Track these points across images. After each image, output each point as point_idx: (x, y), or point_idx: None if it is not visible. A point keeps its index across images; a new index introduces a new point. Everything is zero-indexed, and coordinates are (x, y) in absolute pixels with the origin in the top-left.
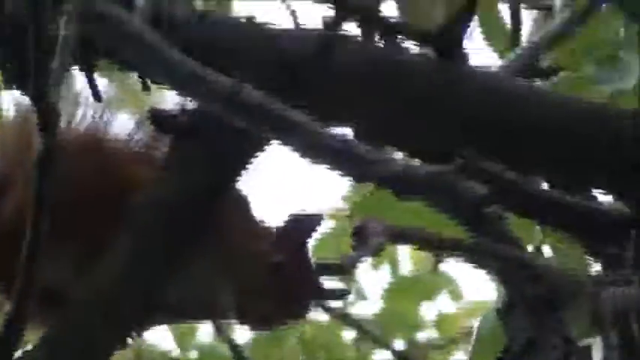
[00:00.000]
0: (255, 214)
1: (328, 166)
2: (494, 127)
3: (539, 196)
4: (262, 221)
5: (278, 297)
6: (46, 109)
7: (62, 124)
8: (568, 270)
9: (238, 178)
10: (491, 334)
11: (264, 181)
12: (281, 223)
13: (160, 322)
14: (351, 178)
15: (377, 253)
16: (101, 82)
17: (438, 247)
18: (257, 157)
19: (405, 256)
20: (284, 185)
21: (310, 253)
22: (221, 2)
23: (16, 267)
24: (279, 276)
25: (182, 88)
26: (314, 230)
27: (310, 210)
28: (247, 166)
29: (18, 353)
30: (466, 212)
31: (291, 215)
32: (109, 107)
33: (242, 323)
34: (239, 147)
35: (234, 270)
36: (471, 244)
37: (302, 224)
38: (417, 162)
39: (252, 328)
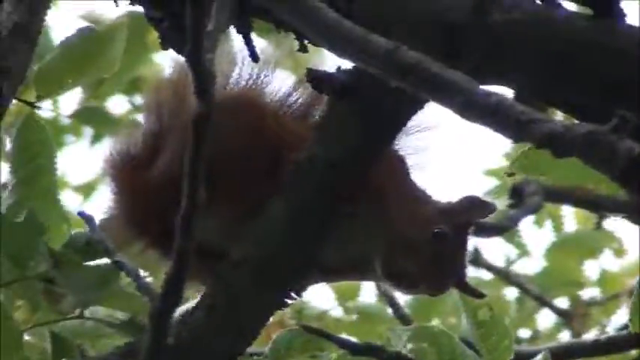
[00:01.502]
0: (413, 178)
1: (486, 126)
2: None
3: None
4: (422, 186)
5: (428, 266)
6: (202, 72)
7: (218, 84)
8: None
9: (394, 137)
10: None
11: (424, 141)
12: (451, 197)
13: (316, 282)
14: (509, 138)
15: (535, 211)
16: (258, 43)
17: (596, 207)
18: (413, 116)
19: (568, 214)
20: (446, 144)
21: (470, 240)
22: None
23: (172, 219)
24: (437, 246)
25: (339, 49)
26: (484, 216)
27: (485, 196)
28: (404, 125)
29: (178, 310)
30: (624, 171)
31: (467, 195)
32: (266, 67)
33: (386, 282)
34: (395, 106)
35: (391, 230)
36: (629, 202)
37: (474, 207)
38: (574, 121)
39: (395, 288)
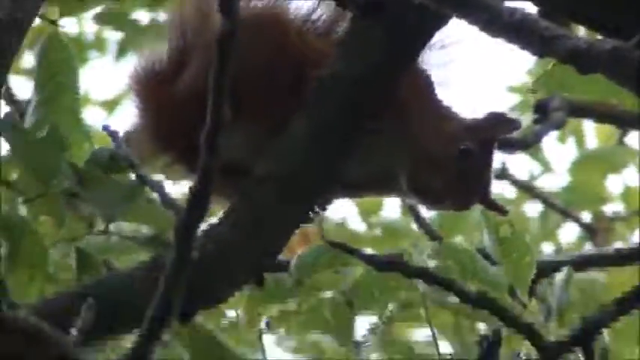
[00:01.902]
0: (438, 95)
1: (510, 42)
2: None
3: None
4: (447, 102)
5: (454, 181)
6: None
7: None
8: None
9: (418, 53)
10: None
11: (447, 58)
12: (478, 114)
13: (340, 197)
14: (534, 54)
15: (559, 127)
16: None
17: (620, 121)
18: (437, 32)
19: (591, 129)
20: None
21: (494, 155)
22: None
23: (197, 135)
24: (463, 162)
25: None
26: (509, 132)
27: (509, 112)
28: (427, 41)
29: (203, 225)
30: None
31: (492, 111)
32: None
33: (411, 197)
34: (419, 22)
35: (416, 146)
36: None
37: (500, 123)
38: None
39: (420, 203)
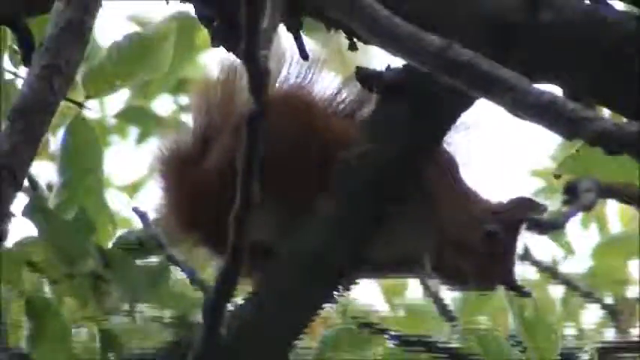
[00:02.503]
0: (464, 177)
1: (537, 124)
2: None
3: None
4: (472, 185)
5: (479, 264)
6: (256, 69)
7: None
8: None
9: (444, 136)
10: None
11: (472, 140)
12: (503, 198)
13: (365, 277)
14: (561, 136)
15: (589, 209)
16: (307, 42)
17: None
18: (463, 114)
19: (614, 214)
20: (492, 144)
21: (520, 241)
22: None
23: (223, 217)
24: (488, 244)
25: (391, 46)
26: (535, 216)
27: (535, 197)
28: (453, 123)
29: (229, 306)
30: None
31: (518, 196)
32: (314, 66)
33: (435, 279)
34: (446, 105)
35: (441, 228)
36: None
37: (525, 206)
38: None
39: (443, 284)
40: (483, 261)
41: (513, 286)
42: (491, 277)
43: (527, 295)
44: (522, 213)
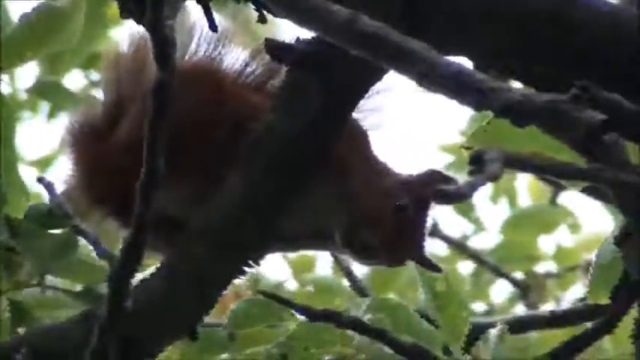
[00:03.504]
0: (375, 150)
1: (446, 95)
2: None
3: None
4: (383, 159)
5: (389, 238)
6: (162, 38)
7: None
8: None
9: (354, 107)
10: (609, 264)
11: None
12: (415, 171)
13: (274, 252)
14: (470, 107)
15: (495, 179)
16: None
17: (557, 173)
18: (373, 86)
19: (523, 189)
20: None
21: (430, 214)
22: None
23: (131, 189)
24: (398, 218)
25: (299, 18)
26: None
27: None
28: (363, 95)
29: (136, 279)
30: (584, 139)
31: (428, 169)
32: (223, 39)
33: (345, 252)
34: (355, 77)
35: (352, 202)
36: (591, 169)
37: (435, 180)
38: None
39: (354, 259)
40: (393, 236)
41: (423, 262)
42: (401, 251)
43: (437, 270)
44: (432, 186)
